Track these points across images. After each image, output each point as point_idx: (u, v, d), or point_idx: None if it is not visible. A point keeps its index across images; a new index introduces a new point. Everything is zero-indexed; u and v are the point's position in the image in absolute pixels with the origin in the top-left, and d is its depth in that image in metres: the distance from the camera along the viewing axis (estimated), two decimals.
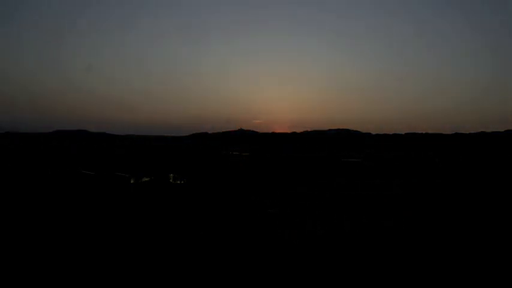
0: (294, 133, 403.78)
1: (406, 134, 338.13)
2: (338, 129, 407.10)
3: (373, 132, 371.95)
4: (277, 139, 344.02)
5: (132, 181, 54.89)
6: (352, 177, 62.54)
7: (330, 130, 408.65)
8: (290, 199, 39.51)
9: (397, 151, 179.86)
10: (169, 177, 60.68)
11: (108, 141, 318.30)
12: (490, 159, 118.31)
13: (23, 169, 66.80)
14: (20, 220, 27.95)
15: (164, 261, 19.53)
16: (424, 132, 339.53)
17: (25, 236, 23.52)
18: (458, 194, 44.61)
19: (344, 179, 58.68)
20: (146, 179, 57.04)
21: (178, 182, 55.87)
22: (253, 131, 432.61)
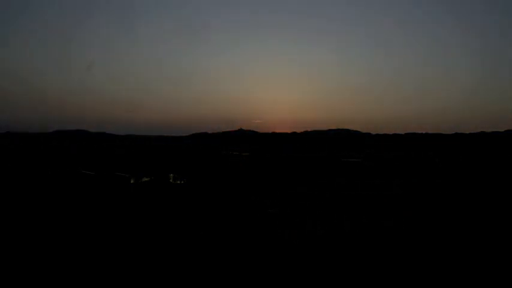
0: (294, 133, 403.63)
1: (406, 134, 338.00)
2: (338, 129, 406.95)
3: (373, 132, 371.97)
4: (277, 139, 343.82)
5: (132, 181, 54.88)
6: (352, 177, 62.53)
7: (330, 130, 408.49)
8: (290, 199, 39.51)
9: (397, 151, 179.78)
10: (169, 177, 60.68)
11: (108, 141, 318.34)
12: (490, 159, 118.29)
13: (23, 169, 66.78)
14: (21, 219, 27.94)
15: (164, 260, 19.53)
16: (424, 132, 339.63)
17: (26, 235, 23.51)
18: (458, 194, 44.60)
19: (344, 179, 58.67)
20: (146, 179, 57.03)
21: (178, 182, 55.86)
22: (253, 131, 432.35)
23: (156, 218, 29.38)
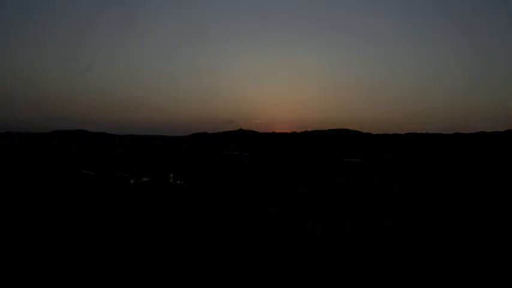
0: (294, 133, 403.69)
1: (406, 134, 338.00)
2: (338, 129, 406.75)
3: (373, 132, 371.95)
4: (277, 139, 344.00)
5: (132, 181, 54.88)
6: (352, 177, 62.53)
7: (330, 130, 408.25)
8: (290, 199, 39.50)
9: (397, 151, 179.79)
10: (169, 177, 60.68)
11: (108, 141, 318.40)
12: (490, 159, 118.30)
13: (23, 169, 66.80)
14: (20, 220, 27.95)
15: (164, 261, 19.53)
16: (424, 132, 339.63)
17: (25, 236, 23.52)
18: (458, 194, 44.60)
19: (344, 179, 58.66)
20: (146, 179, 57.04)
21: (178, 182, 55.87)
22: (253, 131, 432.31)
23: (156, 217, 29.38)
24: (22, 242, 22.40)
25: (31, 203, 34.79)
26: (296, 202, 37.74)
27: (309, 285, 16.84)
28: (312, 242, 23.21)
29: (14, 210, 31.52)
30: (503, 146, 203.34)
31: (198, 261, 19.55)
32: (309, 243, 22.91)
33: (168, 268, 18.56)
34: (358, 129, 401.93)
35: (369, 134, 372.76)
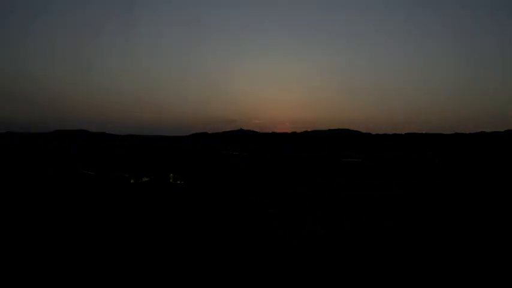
0: (294, 133, 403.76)
1: (406, 134, 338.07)
2: (338, 129, 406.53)
3: (373, 132, 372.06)
4: (277, 139, 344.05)
5: (132, 181, 54.90)
6: (352, 177, 62.52)
7: (330, 130, 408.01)
8: (290, 199, 39.50)
9: (397, 151, 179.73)
10: (169, 177, 60.69)
11: (108, 141, 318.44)
12: (490, 159, 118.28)
13: (23, 169, 66.81)
14: (20, 220, 27.95)
15: (164, 261, 19.54)
16: (424, 132, 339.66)
17: (25, 236, 23.52)
18: (458, 194, 44.60)
19: (344, 179, 58.66)
20: (146, 179, 57.05)
21: (178, 182, 55.87)
22: (253, 131, 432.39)
23: (156, 217, 29.39)
24: (22, 242, 22.41)
25: (31, 203, 34.80)
26: (296, 202, 37.74)
27: (309, 285, 16.84)
28: (312, 242, 23.21)
29: (14, 210, 31.53)
30: (503, 146, 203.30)
31: (198, 261, 19.56)
32: (309, 243, 22.91)
33: (168, 268, 18.57)
34: (358, 129, 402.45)
35: (369, 134, 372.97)
